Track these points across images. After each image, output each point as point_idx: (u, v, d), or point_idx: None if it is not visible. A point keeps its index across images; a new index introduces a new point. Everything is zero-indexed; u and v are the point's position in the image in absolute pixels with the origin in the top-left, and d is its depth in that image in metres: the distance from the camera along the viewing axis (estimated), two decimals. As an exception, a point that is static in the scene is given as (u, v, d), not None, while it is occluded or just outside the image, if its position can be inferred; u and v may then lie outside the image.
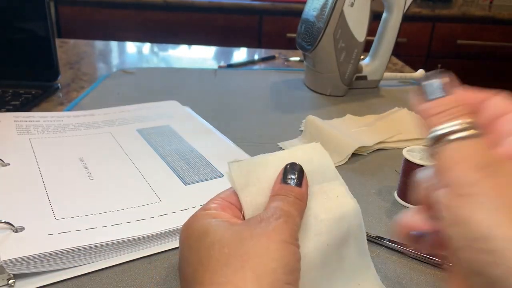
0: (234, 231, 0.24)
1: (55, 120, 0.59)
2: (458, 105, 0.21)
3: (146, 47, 1.14)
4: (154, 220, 0.38)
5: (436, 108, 0.21)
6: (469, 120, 0.20)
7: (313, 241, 0.27)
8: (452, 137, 0.19)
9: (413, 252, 0.37)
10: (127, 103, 0.68)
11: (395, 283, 0.34)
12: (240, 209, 0.28)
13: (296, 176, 0.28)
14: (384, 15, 0.79)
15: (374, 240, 0.38)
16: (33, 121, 0.57)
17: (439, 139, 0.20)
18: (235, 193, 0.28)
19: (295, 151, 0.30)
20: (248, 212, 0.28)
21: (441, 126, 0.20)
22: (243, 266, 0.22)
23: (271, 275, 0.22)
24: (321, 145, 0.31)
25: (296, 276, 0.24)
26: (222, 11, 1.74)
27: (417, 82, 0.22)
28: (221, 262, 0.23)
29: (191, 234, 0.25)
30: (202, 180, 0.45)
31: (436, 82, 0.22)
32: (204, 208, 0.27)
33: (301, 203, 0.27)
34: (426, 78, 0.22)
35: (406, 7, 0.77)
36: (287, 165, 0.28)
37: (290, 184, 0.27)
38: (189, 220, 0.27)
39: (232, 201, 0.28)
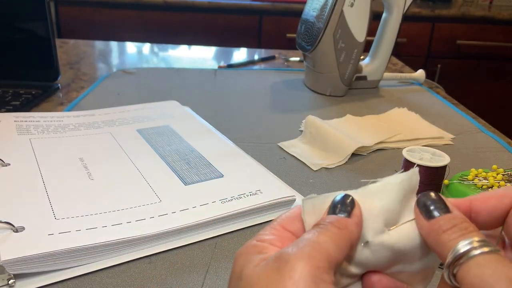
0: (262, 272, 0.21)
1: (55, 120, 0.59)
2: (465, 220, 0.21)
3: (146, 47, 1.14)
4: (154, 220, 0.38)
5: (446, 224, 0.21)
6: (482, 237, 0.20)
7: None
8: (475, 252, 0.19)
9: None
10: (127, 103, 0.68)
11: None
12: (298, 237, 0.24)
13: (343, 207, 0.23)
14: (384, 15, 0.79)
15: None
16: (33, 121, 0.57)
17: (460, 258, 0.19)
18: (297, 218, 0.25)
19: (384, 188, 0.25)
20: None
21: (460, 244, 0.20)
22: None
23: None
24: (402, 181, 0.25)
25: None
26: (222, 11, 1.74)
27: (417, 202, 0.23)
28: None
29: (235, 267, 0.23)
30: (202, 180, 0.45)
31: (435, 201, 0.22)
32: (258, 237, 0.24)
33: (340, 231, 0.22)
34: (424, 197, 0.22)
35: (406, 7, 0.77)
36: (338, 198, 0.24)
37: (333, 212, 0.23)
38: (240, 250, 0.24)
39: (292, 230, 0.24)
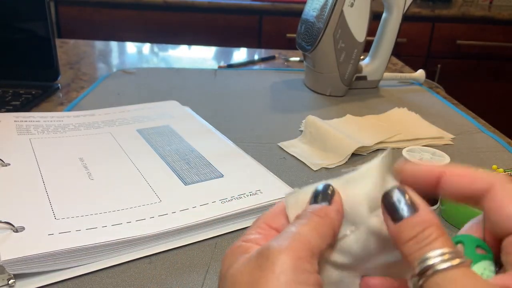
0: (244, 269, 0.21)
1: (55, 120, 0.59)
2: (432, 224, 0.20)
3: (146, 47, 1.14)
4: (154, 220, 0.38)
5: (411, 232, 0.20)
6: (451, 248, 0.19)
7: None
8: (441, 266, 0.18)
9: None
10: (127, 103, 0.68)
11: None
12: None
13: (324, 196, 0.23)
14: (384, 15, 0.79)
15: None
16: (33, 121, 0.57)
17: (426, 270, 0.18)
18: (281, 214, 0.25)
19: (363, 175, 0.24)
20: None
21: (426, 255, 0.19)
22: None
23: None
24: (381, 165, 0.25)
25: None
26: (222, 11, 1.74)
27: (383, 199, 0.21)
28: None
29: (221, 268, 0.23)
30: (202, 180, 0.45)
31: (401, 197, 0.21)
32: (244, 238, 0.24)
33: (321, 219, 0.22)
34: (390, 193, 0.21)
35: (406, 7, 0.77)
36: (318, 187, 0.24)
37: (318, 203, 0.23)
38: (226, 251, 0.24)
39: (276, 226, 0.24)
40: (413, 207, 0.20)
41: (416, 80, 0.87)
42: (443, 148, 0.59)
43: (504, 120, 1.80)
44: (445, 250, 0.19)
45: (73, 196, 0.41)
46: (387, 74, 0.84)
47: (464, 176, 0.22)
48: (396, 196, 0.21)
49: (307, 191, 0.24)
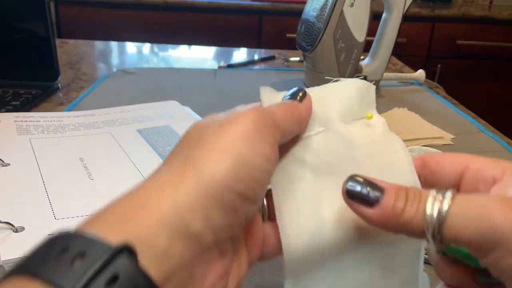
0: (210, 119, 0.22)
1: (55, 120, 0.59)
2: (408, 188, 0.20)
3: (146, 47, 1.14)
4: (154, 220, 0.38)
5: (401, 201, 0.19)
6: (432, 189, 0.19)
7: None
8: (446, 207, 0.18)
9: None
10: (127, 103, 0.68)
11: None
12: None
13: (295, 95, 0.24)
14: (384, 15, 0.79)
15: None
16: (33, 121, 0.57)
17: (438, 218, 0.18)
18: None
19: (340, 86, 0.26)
20: None
21: (428, 210, 0.19)
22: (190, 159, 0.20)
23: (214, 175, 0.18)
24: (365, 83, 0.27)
25: (252, 186, 0.19)
26: (222, 11, 1.74)
27: (347, 194, 0.20)
28: (174, 152, 0.22)
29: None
30: (202, 180, 0.45)
31: (364, 184, 0.20)
32: None
33: (290, 107, 0.23)
34: (352, 186, 0.20)
35: (406, 7, 0.77)
36: (294, 90, 0.25)
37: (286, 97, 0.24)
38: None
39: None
40: (378, 187, 0.20)
41: (416, 80, 0.87)
42: (443, 148, 0.59)
43: (504, 120, 1.80)
44: (433, 193, 0.19)
45: (73, 196, 0.41)
46: (387, 74, 0.84)
47: (444, 162, 0.23)
48: (357, 184, 0.20)
49: (282, 93, 0.26)
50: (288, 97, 0.24)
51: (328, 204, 0.23)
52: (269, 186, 0.24)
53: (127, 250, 0.15)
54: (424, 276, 0.24)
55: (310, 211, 0.23)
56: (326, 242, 0.22)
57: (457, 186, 0.23)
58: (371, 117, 0.26)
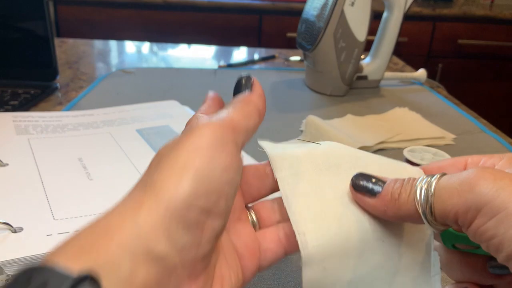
0: (172, 140, 0.21)
1: (54, 120, 0.58)
2: (401, 178, 0.22)
3: (146, 46, 1.13)
4: (154, 221, 0.38)
5: (397, 186, 0.21)
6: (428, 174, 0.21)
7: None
8: (434, 179, 0.20)
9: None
10: (126, 103, 0.68)
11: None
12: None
13: (246, 85, 0.25)
14: (384, 14, 0.78)
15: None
16: (32, 121, 0.57)
17: (427, 195, 0.20)
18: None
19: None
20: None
21: (418, 186, 0.20)
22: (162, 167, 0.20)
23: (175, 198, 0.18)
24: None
25: (214, 199, 0.19)
26: (222, 10, 1.74)
27: (355, 187, 0.22)
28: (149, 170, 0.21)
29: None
30: (202, 181, 0.45)
31: (369, 178, 0.22)
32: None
33: (246, 104, 0.24)
34: (358, 180, 0.23)
35: (407, 7, 0.77)
36: (241, 75, 0.26)
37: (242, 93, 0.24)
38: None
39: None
40: (381, 180, 0.22)
41: (417, 80, 0.87)
42: (445, 148, 0.59)
43: (506, 120, 1.80)
44: (423, 176, 0.21)
45: (72, 197, 0.41)
46: (388, 74, 0.83)
47: (442, 168, 0.24)
48: (366, 176, 0.23)
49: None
50: (238, 88, 0.25)
51: (334, 194, 0.24)
52: (274, 195, 0.24)
53: (90, 279, 0.15)
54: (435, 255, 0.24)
55: (320, 204, 0.23)
56: (345, 232, 0.22)
57: None
58: None
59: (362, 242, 0.22)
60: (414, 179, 0.21)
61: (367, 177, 0.22)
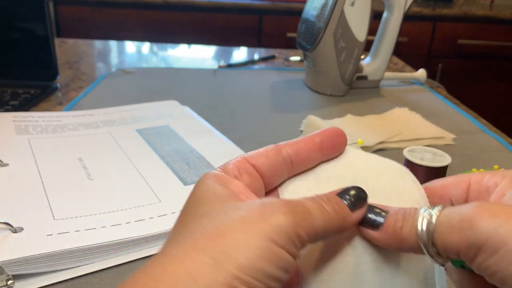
0: (225, 205, 0.20)
1: (54, 120, 0.58)
2: (402, 208, 0.21)
3: (146, 46, 1.13)
4: (154, 221, 0.38)
5: (399, 220, 0.21)
6: (428, 206, 0.21)
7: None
8: (435, 214, 0.20)
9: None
10: (126, 103, 0.68)
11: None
12: (265, 176, 0.24)
13: (354, 199, 0.22)
14: (384, 14, 0.79)
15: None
16: (32, 121, 0.57)
17: (428, 230, 0.19)
18: (263, 154, 0.24)
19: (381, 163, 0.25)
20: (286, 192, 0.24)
21: (418, 221, 0.20)
22: (205, 247, 0.18)
23: (231, 271, 0.17)
24: (409, 174, 0.25)
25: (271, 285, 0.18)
26: (222, 10, 1.74)
27: (368, 217, 0.22)
28: (187, 233, 0.20)
29: (193, 193, 0.22)
30: (202, 180, 0.45)
31: (370, 208, 0.22)
32: (222, 169, 0.24)
33: (337, 218, 0.21)
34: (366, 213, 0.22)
35: (407, 7, 0.77)
36: (354, 187, 0.23)
37: (344, 200, 0.22)
38: (201, 178, 0.23)
39: (254, 163, 0.24)
40: (383, 212, 0.22)
41: (417, 80, 0.87)
42: (445, 148, 0.59)
43: (506, 120, 1.80)
44: (423, 209, 0.20)
45: (72, 197, 0.41)
46: (388, 74, 0.83)
47: (447, 186, 0.24)
48: (368, 212, 0.22)
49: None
50: (345, 198, 0.22)
51: None
52: None
53: None
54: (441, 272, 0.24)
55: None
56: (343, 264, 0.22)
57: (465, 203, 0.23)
58: (362, 143, 0.26)
59: (357, 269, 0.22)
60: (416, 210, 0.21)
61: (369, 208, 0.22)
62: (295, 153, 0.25)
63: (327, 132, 0.25)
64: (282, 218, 0.18)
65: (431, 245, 0.19)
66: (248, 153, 0.25)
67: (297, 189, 0.24)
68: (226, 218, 0.19)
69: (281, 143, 0.25)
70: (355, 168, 0.25)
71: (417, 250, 0.20)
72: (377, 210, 0.22)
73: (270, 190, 0.25)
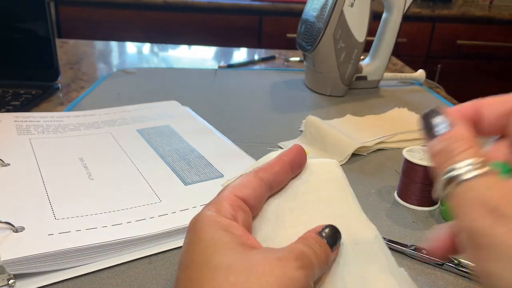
0: (245, 260, 0.22)
1: (55, 120, 0.59)
2: (460, 139, 0.20)
3: (146, 47, 1.14)
4: (154, 220, 0.38)
5: (444, 143, 0.20)
6: (479, 157, 0.19)
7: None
8: (464, 177, 0.19)
9: (413, 252, 0.37)
10: (127, 103, 0.68)
11: (395, 283, 0.34)
12: (252, 208, 0.27)
13: (333, 239, 0.26)
14: (384, 15, 0.79)
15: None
16: (33, 121, 0.57)
17: (451, 181, 0.19)
18: (249, 185, 0.26)
19: (313, 165, 0.30)
20: (268, 215, 0.28)
21: (451, 167, 0.19)
22: None
23: None
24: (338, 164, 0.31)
25: None
26: (222, 11, 1.74)
27: (421, 120, 0.23)
28: None
29: (197, 241, 0.23)
30: (202, 180, 0.45)
31: (439, 117, 0.22)
32: (218, 209, 0.25)
33: (325, 264, 0.25)
34: (429, 114, 0.22)
35: (406, 7, 0.77)
36: (327, 226, 0.26)
37: (326, 241, 0.25)
38: (198, 222, 0.24)
39: (245, 197, 0.26)
40: (448, 126, 0.21)
41: (416, 80, 0.87)
42: (443, 148, 0.59)
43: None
44: (473, 160, 0.19)
45: (73, 196, 0.41)
46: (387, 74, 0.84)
47: (494, 102, 0.23)
48: (433, 116, 0.22)
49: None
50: (322, 235, 0.25)
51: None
52: None
53: None
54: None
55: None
56: None
57: (504, 126, 0.22)
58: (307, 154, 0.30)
59: None
60: (456, 154, 0.20)
61: (438, 116, 0.22)
62: (274, 178, 0.28)
63: (294, 151, 0.29)
64: (297, 273, 0.22)
65: (446, 187, 0.19)
66: (234, 185, 0.27)
67: (266, 235, 0.27)
68: (249, 273, 0.21)
69: (258, 168, 0.28)
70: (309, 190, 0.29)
71: (440, 169, 0.20)
72: (441, 121, 0.21)
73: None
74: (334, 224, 0.26)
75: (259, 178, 0.27)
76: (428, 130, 0.22)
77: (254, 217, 0.27)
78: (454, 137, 0.20)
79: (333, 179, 0.30)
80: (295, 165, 0.29)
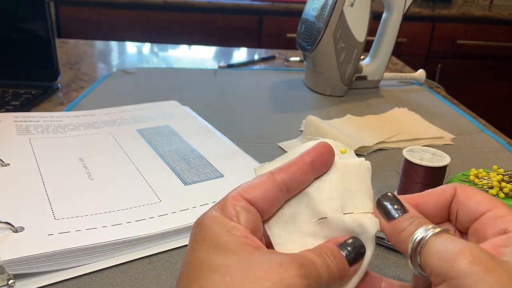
0: (244, 261, 0.22)
1: (55, 120, 0.59)
2: (420, 217, 0.24)
3: (146, 47, 1.14)
4: (154, 220, 0.38)
5: (405, 223, 0.23)
6: (435, 225, 0.23)
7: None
8: (428, 235, 0.22)
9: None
10: (127, 103, 0.68)
11: (395, 283, 0.34)
12: (261, 210, 0.26)
13: (354, 254, 0.24)
14: (384, 15, 0.79)
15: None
16: (33, 121, 0.57)
17: (417, 246, 0.22)
18: (259, 187, 0.25)
19: (341, 163, 0.27)
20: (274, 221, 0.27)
21: (415, 234, 0.22)
22: None
23: None
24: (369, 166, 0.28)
25: None
26: (222, 11, 1.74)
27: (377, 204, 0.25)
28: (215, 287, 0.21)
29: (200, 241, 0.23)
30: (202, 180, 0.45)
31: (393, 202, 0.25)
32: (222, 210, 0.24)
33: (337, 279, 0.23)
34: (383, 200, 0.25)
35: (406, 7, 0.77)
36: (353, 238, 0.25)
37: (344, 255, 0.24)
38: (203, 222, 0.24)
39: (252, 199, 0.25)
40: (404, 209, 0.24)
41: (416, 80, 0.87)
42: (444, 148, 0.59)
43: (504, 120, 1.80)
44: (428, 226, 0.22)
45: (73, 196, 0.41)
46: (387, 74, 0.84)
47: (431, 194, 0.26)
48: (390, 198, 0.25)
49: (276, 162, 0.27)
50: (343, 247, 0.25)
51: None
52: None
53: None
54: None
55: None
56: None
57: (473, 222, 0.24)
58: (345, 152, 0.28)
59: None
60: (420, 222, 0.23)
61: (392, 200, 0.25)
62: (291, 178, 0.26)
63: (317, 149, 0.27)
64: (296, 282, 0.21)
65: (416, 259, 0.22)
66: (244, 185, 0.26)
67: (284, 236, 0.26)
68: (246, 274, 0.21)
69: (276, 168, 0.26)
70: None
71: (405, 253, 0.23)
72: (397, 207, 0.24)
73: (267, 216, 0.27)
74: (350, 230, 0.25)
75: (273, 180, 0.26)
76: (385, 213, 0.25)
77: (269, 219, 0.26)
78: (412, 217, 0.24)
79: (362, 186, 0.27)
80: (317, 165, 0.26)
